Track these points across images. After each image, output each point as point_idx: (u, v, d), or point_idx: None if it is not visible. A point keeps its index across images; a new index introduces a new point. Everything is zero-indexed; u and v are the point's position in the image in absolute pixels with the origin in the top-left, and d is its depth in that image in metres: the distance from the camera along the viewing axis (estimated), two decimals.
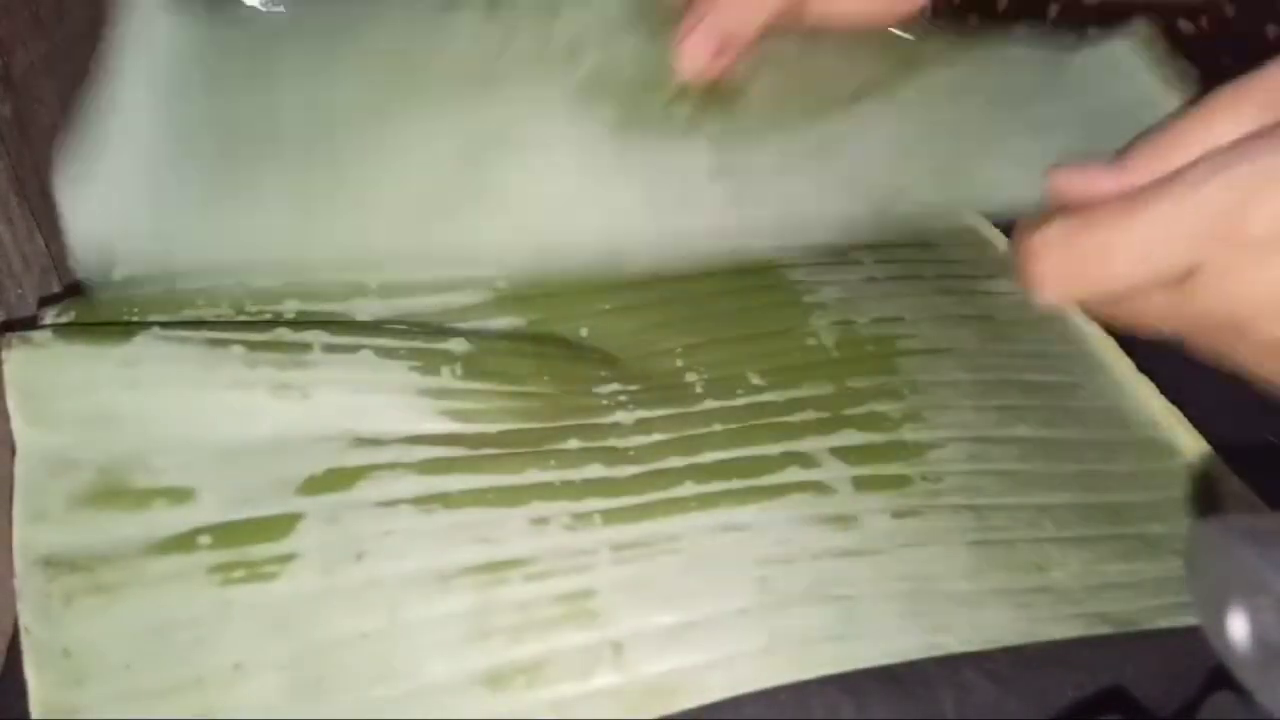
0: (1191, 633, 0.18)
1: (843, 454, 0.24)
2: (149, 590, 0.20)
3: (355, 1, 0.26)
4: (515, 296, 0.27)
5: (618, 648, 0.20)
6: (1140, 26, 0.28)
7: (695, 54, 0.25)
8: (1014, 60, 0.28)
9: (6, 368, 0.22)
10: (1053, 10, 0.51)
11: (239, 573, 0.20)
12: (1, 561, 0.22)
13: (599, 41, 0.26)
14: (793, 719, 0.20)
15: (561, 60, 0.25)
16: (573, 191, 0.24)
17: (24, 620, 0.19)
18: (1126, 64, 0.27)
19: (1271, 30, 0.45)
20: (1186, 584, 0.18)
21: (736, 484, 0.23)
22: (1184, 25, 0.45)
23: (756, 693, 0.19)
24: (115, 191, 0.23)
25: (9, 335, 0.22)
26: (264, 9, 0.27)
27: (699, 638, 0.20)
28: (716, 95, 0.25)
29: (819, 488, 0.23)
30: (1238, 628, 0.17)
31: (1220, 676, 0.18)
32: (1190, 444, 0.25)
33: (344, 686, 0.19)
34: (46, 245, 0.28)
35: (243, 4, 0.27)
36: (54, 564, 0.20)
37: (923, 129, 0.26)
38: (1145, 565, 0.22)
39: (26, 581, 0.20)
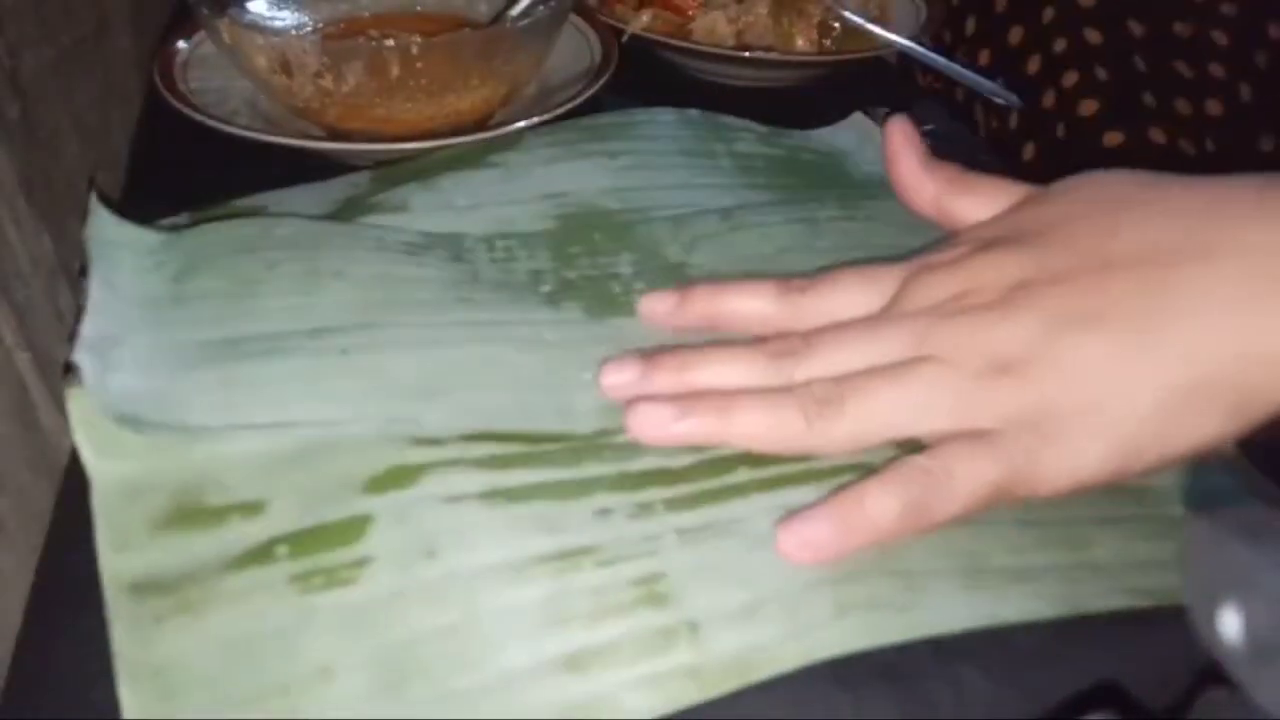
0: (1185, 628, 0.18)
1: None
2: (233, 604, 0.20)
3: (326, 246, 0.28)
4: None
5: (694, 626, 0.20)
6: None
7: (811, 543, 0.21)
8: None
9: (71, 405, 0.22)
10: (1048, 14, 0.51)
11: (318, 580, 0.20)
12: (5, 565, 0.23)
13: (555, 271, 0.29)
14: (792, 718, 0.20)
15: (526, 284, 0.28)
16: (559, 361, 0.26)
17: (117, 646, 0.19)
18: None
19: None
20: (1182, 580, 0.19)
21: (789, 469, 0.23)
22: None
23: (757, 692, 0.19)
24: (125, 376, 0.23)
25: (72, 374, 0.22)
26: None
27: (771, 612, 0.20)
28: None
29: (870, 469, 0.23)
30: (1230, 624, 0.17)
31: (1213, 672, 0.18)
32: None
33: (427, 680, 0.19)
34: (54, 246, 0.28)
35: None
36: (141, 589, 0.20)
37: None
38: (1172, 545, 0.23)
39: (117, 608, 0.20)
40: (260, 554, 0.21)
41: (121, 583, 0.20)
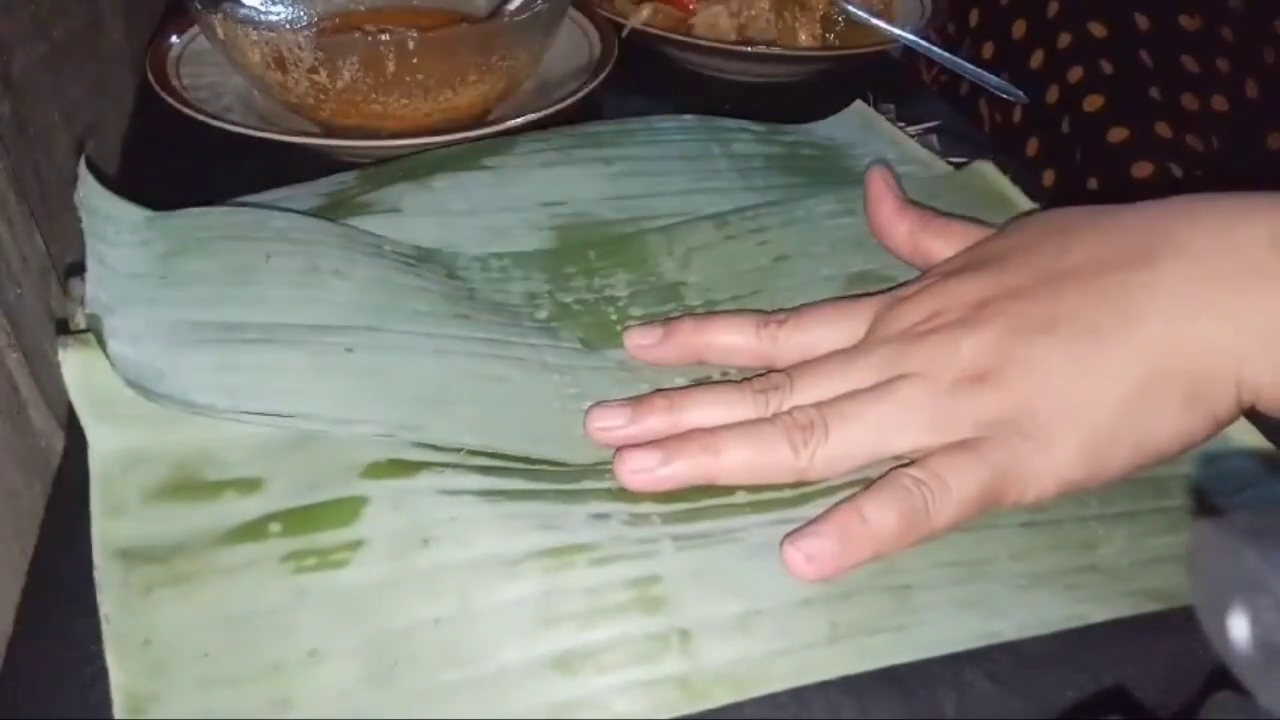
0: (1192, 632, 0.18)
1: None
2: (225, 579, 0.20)
3: (324, 244, 0.27)
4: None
5: (685, 635, 0.20)
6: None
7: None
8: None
9: (65, 370, 0.22)
10: (1053, 8, 0.51)
11: (311, 560, 0.20)
12: None
13: (550, 294, 0.29)
14: (793, 719, 0.20)
15: (521, 308, 0.28)
16: (559, 386, 0.25)
17: (105, 610, 0.19)
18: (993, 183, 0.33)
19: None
20: (1189, 583, 0.18)
21: (788, 493, 0.23)
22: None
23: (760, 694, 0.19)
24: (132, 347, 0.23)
25: (64, 337, 0.22)
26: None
27: (765, 627, 0.20)
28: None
29: (869, 484, 0.23)
30: (1239, 628, 0.17)
31: (1221, 676, 0.18)
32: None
33: (417, 671, 0.19)
34: (45, 245, 0.28)
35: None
36: (132, 556, 0.20)
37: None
38: (1185, 539, 0.22)
39: (106, 573, 0.20)
40: (253, 530, 0.21)
41: (111, 548, 0.20)
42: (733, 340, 0.26)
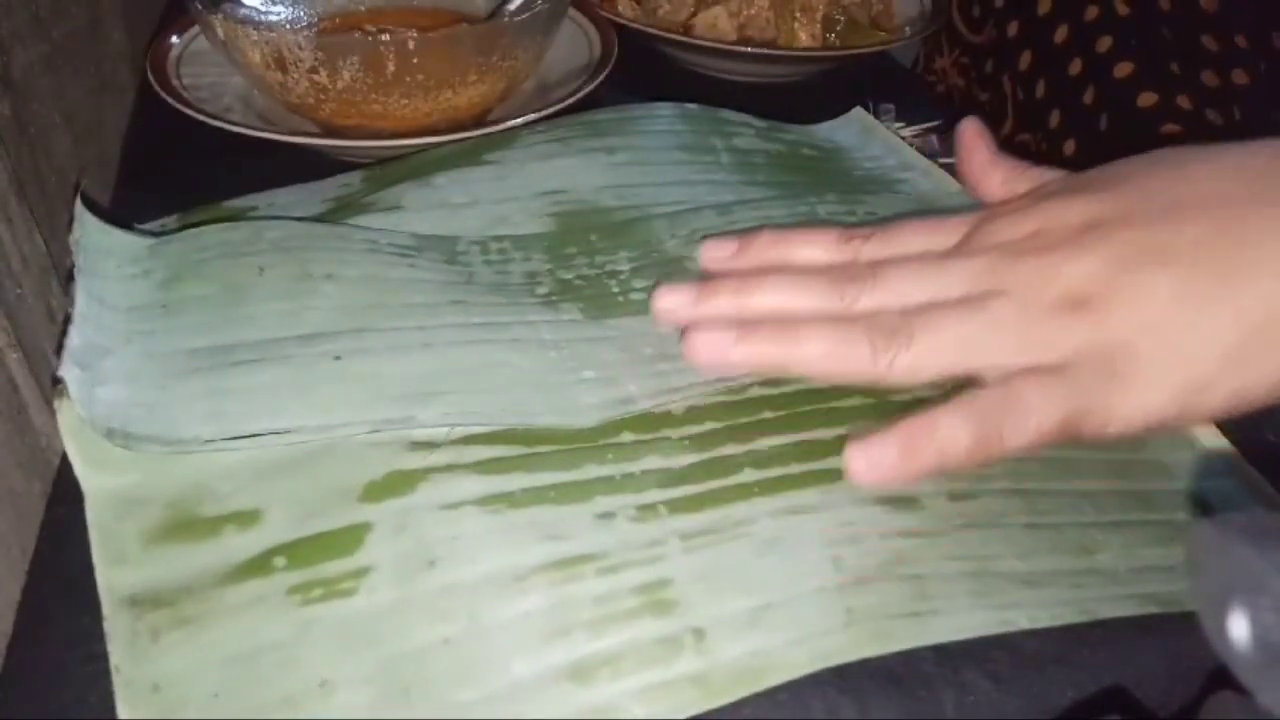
0: (1192, 632, 0.18)
1: None
2: (231, 617, 0.20)
3: (317, 249, 0.27)
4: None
5: (699, 633, 0.20)
6: None
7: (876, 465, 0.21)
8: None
9: (61, 417, 0.22)
10: (1046, 4, 0.52)
11: (317, 591, 0.20)
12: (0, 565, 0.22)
13: (551, 272, 0.29)
14: (793, 719, 0.20)
15: (522, 284, 0.28)
16: (557, 360, 0.25)
17: (114, 660, 0.19)
18: None
19: None
20: (1188, 584, 0.18)
21: (795, 469, 0.23)
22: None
23: (759, 695, 0.19)
24: (115, 387, 0.23)
25: (62, 385, 0.22)
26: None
27: (779, 618, 0.20)
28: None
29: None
30: (1239, 628, 0.17)
31: (1221, 676, 0.18)
32: (1207, 436, 0.26)
33: (430, 693, 0.19)
34: (46, 245, 0.28)
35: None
36: (138, 602, 0.20)
37: None
38: (1177, 551, 0.23)
39: (114, 622, 0.20)
40: (258, 565, 0.21)
41: (118, 597, 0.20)
42: (812, 255, 0.25)
